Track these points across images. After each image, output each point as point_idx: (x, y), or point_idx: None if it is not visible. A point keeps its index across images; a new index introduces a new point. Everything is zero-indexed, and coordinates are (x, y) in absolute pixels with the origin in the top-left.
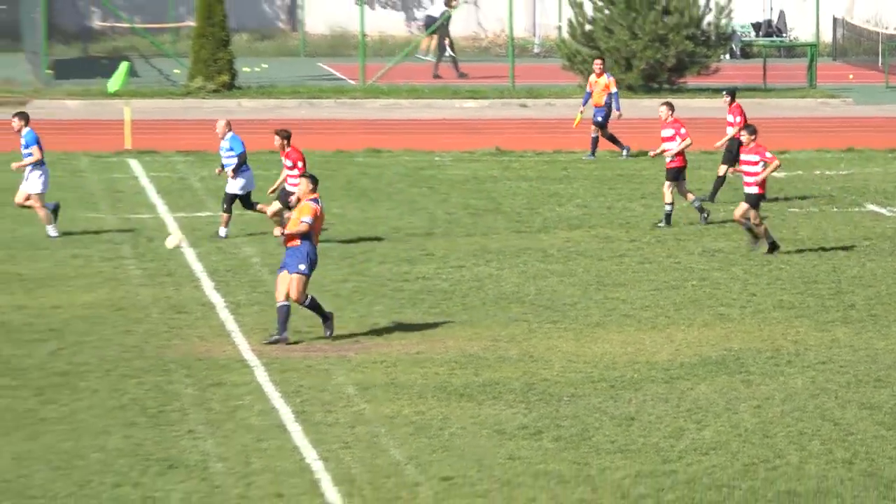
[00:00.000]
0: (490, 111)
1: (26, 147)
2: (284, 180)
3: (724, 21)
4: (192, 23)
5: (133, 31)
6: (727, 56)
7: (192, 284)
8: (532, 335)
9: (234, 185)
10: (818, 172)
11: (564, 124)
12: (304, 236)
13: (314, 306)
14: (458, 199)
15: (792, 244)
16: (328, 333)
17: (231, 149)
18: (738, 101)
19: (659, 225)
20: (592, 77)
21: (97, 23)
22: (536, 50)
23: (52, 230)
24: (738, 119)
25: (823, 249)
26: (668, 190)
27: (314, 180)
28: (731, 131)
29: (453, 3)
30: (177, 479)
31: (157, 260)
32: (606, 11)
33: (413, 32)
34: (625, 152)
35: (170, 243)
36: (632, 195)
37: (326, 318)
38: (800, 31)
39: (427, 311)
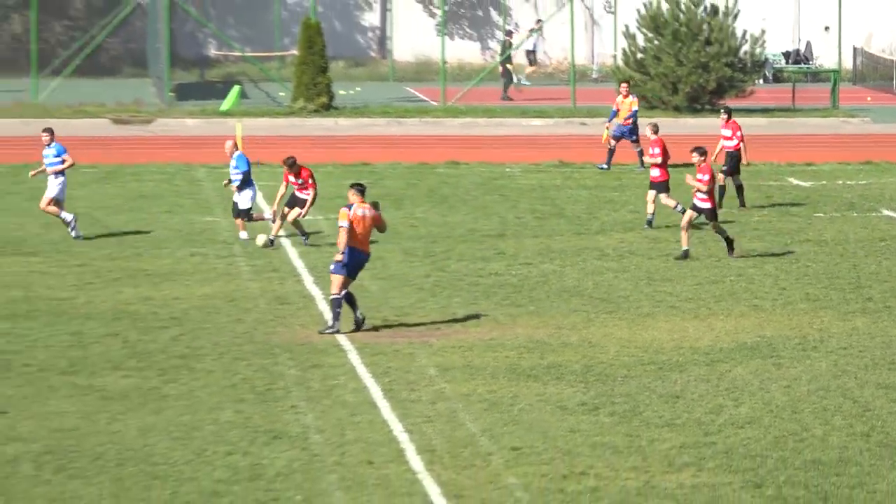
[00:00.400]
0: (554, 128)
1: (57, 156)
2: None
3: (758, 50)
4: (295, 52)
5: (244, 59)
6: (761, 81)
7: (294, 279)
8: (590, 324)
9: (244, 199)
10: (840, 182)
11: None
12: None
13: (348, 301)
14: (526, 205)
15: (817, 244)
16: (333, 328)
17: (237, 167)
18: (734, 118)
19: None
20: (619, 98)
21: (213, 52)
22: (594, 75)
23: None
24: (738, 133)
25: (844, 249)
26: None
27: (360, 189)
28: (726, 143)
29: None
30: (281, 448)
31: (264, 258)
32: (656, 42)
33: (487, 60)
34: (605, 167)
35: (259, 241)
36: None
37: (337, 318)
38: (824, 59)
39: (499, 302)
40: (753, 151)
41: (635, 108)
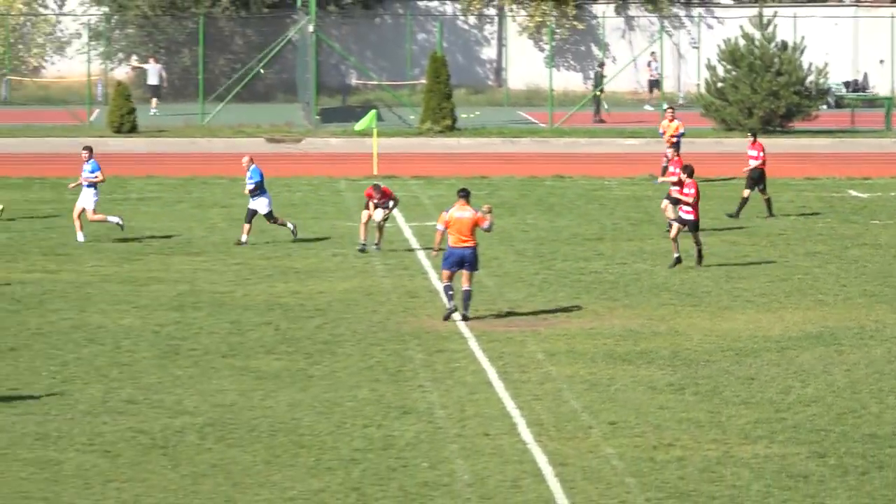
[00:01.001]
0: (646, 147)
1: (92, 172)
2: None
3: (821, 80)
4: (423, 81)
5: (380, 87)
6: (824, 106)
7: (422, 276)
8: (677, 315)
9: (261, 205)
10: (893, 194)
11: (703, 157)
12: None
13: (444, 289)
14: (622, 212)
15: (873, 247)
16: (449, 312)
17: (251, 177)
18: (760, 139)
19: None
20: (665, 122)
21: (354, 81)
22: (681, 101)
23: (80, 236)
24: (760, 154)
25: None
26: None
27: (463, 193)
28: (752, 162)
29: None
30: (409, 422)
31: (396, 257)
32: (734, 73)
33: (588, 88)
34: (658, 180)
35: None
36: (752, 211)
37: (450, 299)
38: (879, 87)
39: (598, 296)
40: (818, 167)
41: (682, 130)
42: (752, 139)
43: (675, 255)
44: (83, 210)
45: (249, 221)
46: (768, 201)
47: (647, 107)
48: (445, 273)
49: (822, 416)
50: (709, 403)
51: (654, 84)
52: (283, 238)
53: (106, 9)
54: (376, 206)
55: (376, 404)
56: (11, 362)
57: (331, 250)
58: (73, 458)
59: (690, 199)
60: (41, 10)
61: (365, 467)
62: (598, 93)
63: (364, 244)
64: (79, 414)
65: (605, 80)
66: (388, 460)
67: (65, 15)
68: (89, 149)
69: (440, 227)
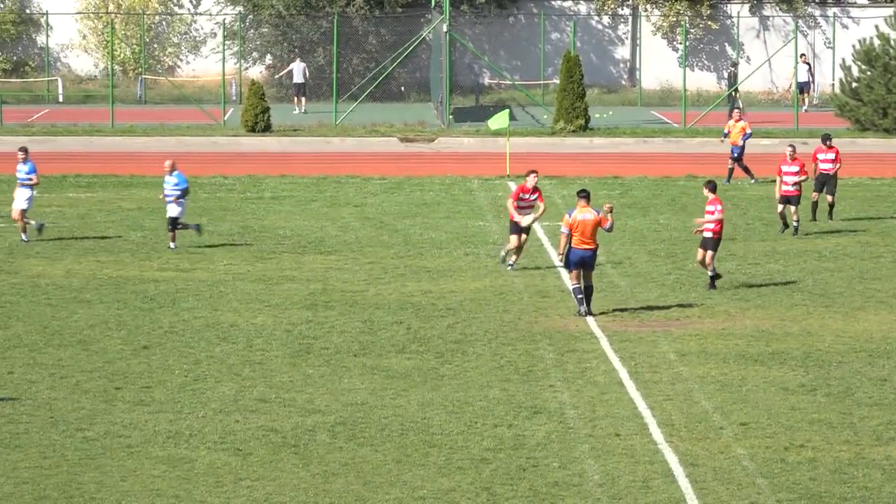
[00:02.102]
0: (779, 147)
1: (28, 174)
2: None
3: None
4: (557, 80)
5: (513, 86)
6: None
7: (554, 275)
8: (809, 316)
9: (176, 210)
10: None
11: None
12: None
13: (574, 291)
14: (755, 212)
15: None
16: (579, 313)
17: (178, 183)
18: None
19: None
20: (731, 122)
21: (487, 80)
22: (815, 101)
23: (24, 237)
24: (836, 158)
25: None
26: None
27: (584, 195)
28: (823, 166)
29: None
30: (540, 421)
31: (528, 257)
32: (868, 73)
33: (722, 88)
34: (753, 181)
35: (524, 221)
36: (887, 212)
37: (580, 303)
38: None
39: (730, 296)
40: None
41: (749, 130)
42: (827, 145)
43: (712, 272)
44: (22, 211)
45: (174, 229)
46: (831, 206)
47: (804, 108)
48: (573, 274)
49: None
50: (841, 405)
51: (804, 86)
52: (416, 238)
53: (241, 8)
54: (523, 209)
55: (507, 404)
56: (144, 360)
57: (462, 249)
58: (204, 455)
59: (713, 217)
60: (176, 9)
61: (495, 467)
62: (732, 93)
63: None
64: (210, 412)
65: (738, 81)
66: (518, 460)
67: (200, 14)
68: (25, 150)
69: (564, 230)
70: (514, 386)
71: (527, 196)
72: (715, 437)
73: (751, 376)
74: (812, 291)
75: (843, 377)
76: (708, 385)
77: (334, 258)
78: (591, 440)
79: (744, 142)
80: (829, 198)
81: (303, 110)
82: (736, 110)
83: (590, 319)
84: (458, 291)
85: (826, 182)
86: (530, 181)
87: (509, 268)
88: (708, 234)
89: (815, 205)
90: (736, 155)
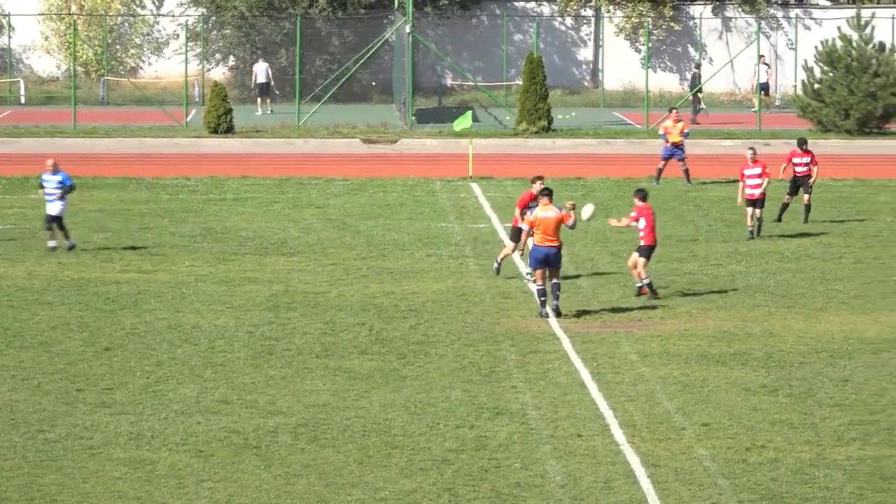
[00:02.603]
0: (741, 149)
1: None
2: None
3: None
4: (520, 82)
5: (476, 88)
6: None
7: (516, 277)
8: (771, 316)
9: (56, 208)
10: None
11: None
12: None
13: (538, 293)
14: (717, 213)
15: None
16: (541, 314)
17: (63, 182)
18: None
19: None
20: (669, 122)
21: (450, 81)
22: (777, 103)
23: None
24: (810, 161)
25: None
26: None
27: (546, 193)
28: (799, 169)
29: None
30: (502, 422)
31: (491, 258)
32: (831, 74)
33: (684, 89)
34: (688, 184)
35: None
36: (849, 213)
37: (543, 305)
38: None
39: (692, 298)
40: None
41: (687, 130)
42: (803, 149)
43: (643, 281)
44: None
45: (50, 227)
46: (807, 207)
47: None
48: (537, 273)
49: None
50: (802, 405)
51: (766, 87)
52: (379, 239)
53: (203, 9)
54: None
55: (469, 405)
56: (106, 362)
57: (425, 251)
58: (166, 457)
59: (638, 226)
60: (139, 10)
61: (457, 468)
62: (696, 94)
63: (499, 266)
64: (172, 414)
65: (702, 82)
66: (480, 461)
67: (162, 16)
68: (53, 163)
69: (525, 227)
70: (476, 387)
71: (535, 203)
72: (677, 437)
73: (712, 377)
74: (774, 292)
75: (804, 378)
76: (670, 386)
77: (296, 259)
78: (553, 441)
79: (683, 141)
80: (806, 197)
81: (268, 111)
82: (675, 111)
83: (552, 320)
84: (420, 293)
85: (801, 185)
86: (536, 187)
87: (496, 268)
88: (642, 242)
89: (784, 206)
90: (682, 157)
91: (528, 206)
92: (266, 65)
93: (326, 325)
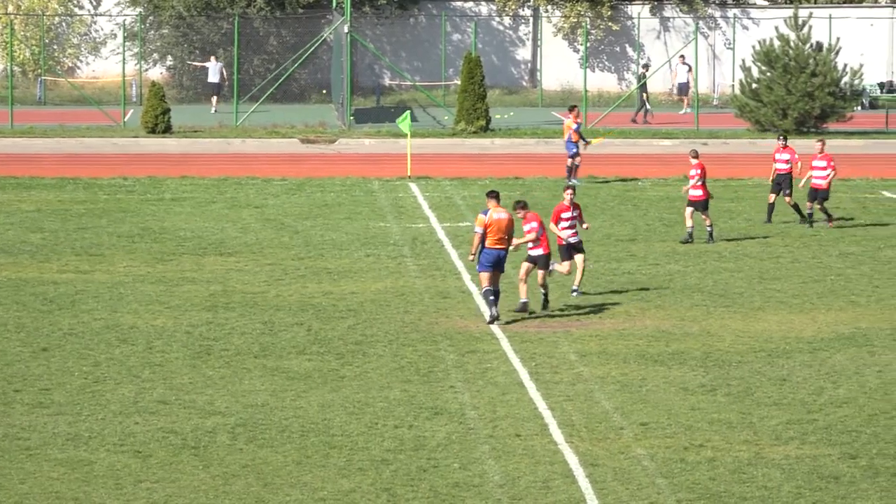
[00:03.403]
0: (680, 148)
1: None
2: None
3: (856, 81)
4: (457, 81)
5: (414, 88)
6: (859, 108)
7: (454, 277)
8: (709, 316)
9: None
10: None
11: (736, 158)
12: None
13: (485, 294)
14: (655, 213)
15: None
16: (491, 316)
17: None
18: (790, 144)
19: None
20: (569, 121)
21: (388, 81)
22: (715, 102)
23: None
24: (793, 158)
25: None
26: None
27: (494, 195)
28: (780, 167)
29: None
30: (441, 422)
31: (429, 258)
32: (768, 74)
33: (623, 89)
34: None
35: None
36: (785, 212)
37: (491, 306)
38: None
39: (630, 297)
40: (852, 169)
41: (573, 126)
42: (782, 144)
43: (523, 299)
44: None
45: None
46: (795, 206)
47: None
48: (485, 276)
49: (854, 418)
50: (740, 404)
51: (684, 87)
52: (317, 239)
53: (141, 9)
54: (566, 229)
55: (407, 405)
56: (43, 362)
57: (363, 251)
58: (104, 458)
59: (534, 234)
60: (76, 10)
61: (396, 468)
62: (640, 93)
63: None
64: (110, 414)
65: (644, 81)
66: (418, 461)
67: (100, 15)
68: None
69: (479, 229)
70: (414, 387)
71: (567, 215)
72: (615, 437)
73: (651, 376)
74: (712, 292)
75: (742, 377)
76: (608, 385)
77: (234, 260)
78: (492, 441)
79: (576, 140)
80: (788, 199)
81: (212, 110)
82: (575, 108)
83: (488, 319)
84: (358, 292)
85: (782, 183)
86: (567, 197)
87: (574, 294)
88: (537, 252)
89: (771, 207)
90: (573, 152)
91: (560, 218)
92: (220, 64)
93: (265, 326)
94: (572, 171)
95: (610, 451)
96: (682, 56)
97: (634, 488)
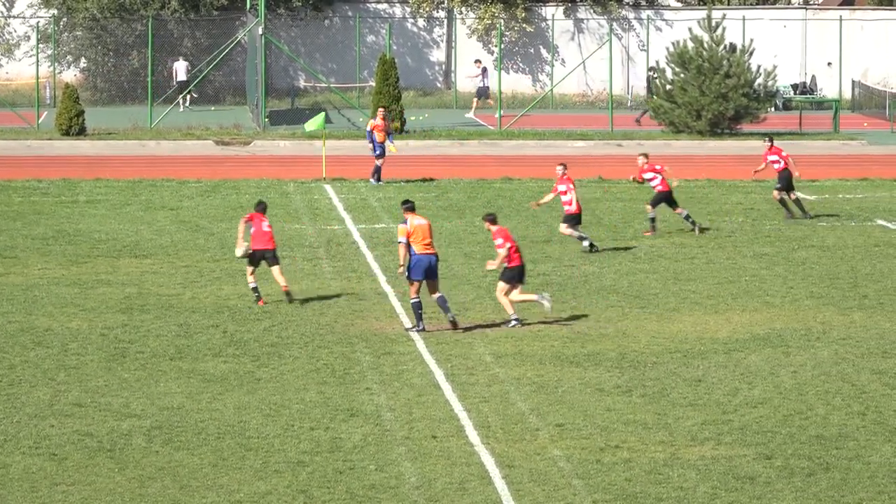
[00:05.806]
0: (594, 149)
1: None
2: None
3: (770, 83)
4: (372, 83)
5: (329, 89)
6: (773, 109)
7: (370, 279)
8: (625, 317)
9: None
10: (840, 196)
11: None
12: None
13: (441, 305)
14: None
15: (820, 249)
16: (418, 328)
17: None
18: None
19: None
20: (377, 120)
21: (303, 83)
22: (629, 104)
23: None
24: (783, 154)
25: (844, 254)
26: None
27: (408, 205)
28: (776, 167)
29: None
30: (357, 424)
31: (345, 260)
32: (682, 75)
33: (537, 91)
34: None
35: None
36: (699, 213)
37: (419, 318)
38: (827, 90)
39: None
40: (766, 170)
41: (368, 127)
42: (769, 145)
43: (512, 314)
44: None
45: None
46: (782, 201)
47: (469, 115)
48: (415, 285)
49: (769, 418)
50: (656, 405)
51: (483, 92)
52: (232, 241)
53: (55, 11)
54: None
55: (323, 407)
56: None
57: (279, 253)
58: (19, 461)
59: (504, 251)
60: None
61: (312, 470)
62: (649, 96)
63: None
64: (25, 417)
65: (555, 83)
66: (335, 463)
67: (13, 17)
68: None
69: (402, 240)
70: (330, 388)
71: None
72: (531, 438)
73: (566, 377)
74: (627, 293)
75: (658, 378)
76: (524, 386)
77: (150, 262)
78: (408, 442)
79: (382, 140)
80: (775, 194)
81: (181, 109)
82: (381, 108)
83: (407, 323)
84: (274, 294)
85: (782, 179)
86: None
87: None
88: (513, 267)
89: (783, 202)
90: (378, 153)
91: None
92: (186, 63)
93: (180, 328)
94: (377, 171)
95: (526, 452)
96: (478, 60)
97: (551, 489)
